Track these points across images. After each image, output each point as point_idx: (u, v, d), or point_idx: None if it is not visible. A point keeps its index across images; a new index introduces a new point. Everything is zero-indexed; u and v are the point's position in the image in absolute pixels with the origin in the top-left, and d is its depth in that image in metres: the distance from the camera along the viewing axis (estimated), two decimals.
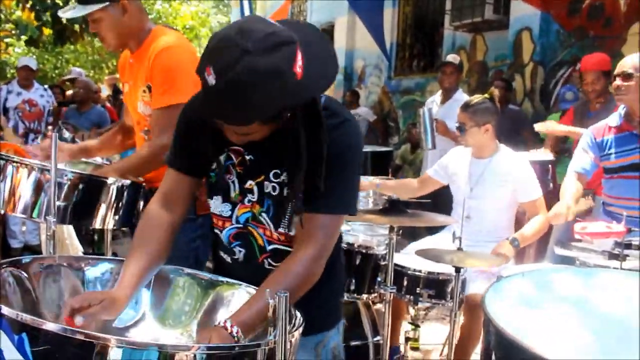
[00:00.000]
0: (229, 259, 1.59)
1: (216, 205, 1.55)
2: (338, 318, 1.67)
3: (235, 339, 1.23)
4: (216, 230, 1.59)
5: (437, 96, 5.16)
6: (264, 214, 1.50)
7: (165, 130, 2.16)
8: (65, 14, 2.26)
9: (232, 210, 1.53)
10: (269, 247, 1.52)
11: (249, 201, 1.50)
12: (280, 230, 1.49)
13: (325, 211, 1.41)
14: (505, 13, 6.55)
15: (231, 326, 1.24)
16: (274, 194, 1.47)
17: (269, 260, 1.53)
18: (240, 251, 1.55)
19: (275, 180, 1.47)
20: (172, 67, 2.16)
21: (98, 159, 3.19)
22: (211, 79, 1.21)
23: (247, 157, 1.49)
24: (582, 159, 2.94)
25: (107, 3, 2.20)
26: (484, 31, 7.14)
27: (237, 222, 1.53)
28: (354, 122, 1.48)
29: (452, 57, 5.17)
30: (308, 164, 1.38)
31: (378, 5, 7.97)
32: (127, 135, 2.60)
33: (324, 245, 1.41)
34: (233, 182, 1.51)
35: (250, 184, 1.49)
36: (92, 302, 1.27)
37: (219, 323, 1.25)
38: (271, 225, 1.50)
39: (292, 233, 1.48)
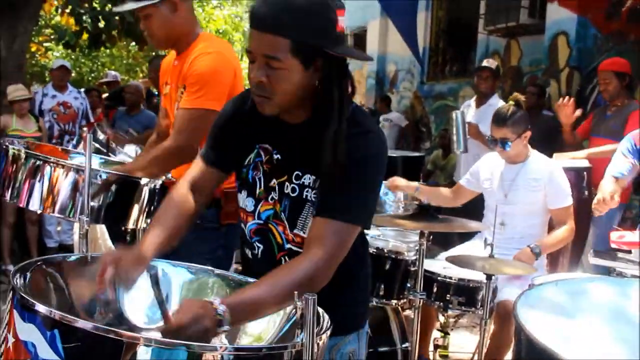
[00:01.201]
0: (250, 254, 1.62)
1: (242, 199, 1.58)
2: (358, 326, 1.64)
3: (219, 316, 1.19)
4: (242, 224, 1.62)
5: (472, 100, 5.09)
6: (282, 214, 1.51)
7: (183, 132, 2.21)
8: (119, 8, 2.32)
9: (256, 206, 1.55)
10: (287, 246, 1.53)
11: (272, 199, 1.52)
12: (295, 231, 1.50)
13: (337, 218, 1.38)
14: (541, 17, 6.44)
15: (219, 303, 1.21)
16: (292, 195, 1.49)
17: (286, 258, 1.53)
18: (259, 247, 1.57)
19: (295, 182, 1.48)
20: (206, 73, 2.19)
21: (127, 159, 3.23)
22: None
23: (275, 156, 1.51)
24: (620, 164, 2.89)
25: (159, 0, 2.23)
26: (518, 35, 7.03)
27: (259, 218, 1.55)
28: (377, 136, 1.46)
29: (488, 62, 5.09)
30: (328, 166, 1.39)
31: (411, 9, 7.92)
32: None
33: (333, 252, 1.38)
34: (259, 179, 1.53)
35: (274, 182, 1.51)
36: (123, 257, 1.34)
37: (212, 300, 1.23)
38: (288, 226, 1.51)
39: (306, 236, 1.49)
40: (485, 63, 5.07)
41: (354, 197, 1.40)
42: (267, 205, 1.53)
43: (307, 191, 1.47)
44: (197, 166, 1.62)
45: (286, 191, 1.49)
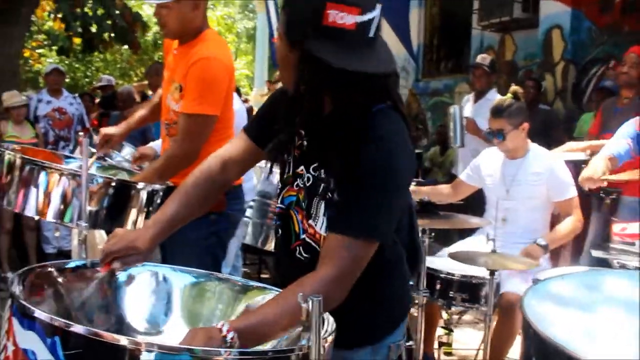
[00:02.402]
0: (274, 239, 1.60)
1: (264, 177, 1.58)
2: (375, 338, 1.55)
3: (227, 344, 1.15)
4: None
5: (471, 96, 5.09)
6: (303, 202, 1.47)
7: (186, 137, 2.28)
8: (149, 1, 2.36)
9: (281, 190, 1.53)
10: (302, 236, 1.48)
11: (297, 186, 1.48)
12: (310, 222, 1.45)
13: (348, 233, 1.30)
14: (535, 11, 6.44)
15: (227, 330, 1.16)
16: (307, 185, 1.45)
17: (300, 248, 1.48)
18: (278, 232, 1.55)
19: (312, 173, 1.44)
20: (207, 79, 2.24)
21: (125, 165, 3.21)
22: None
23: (304, 142, 1.46)
24: (618, 144, 2.84)
25: None
26: (512, 30, 7.04)
27: (282, 203, 1.52)
28: (394, 142, 1.35)
29: (481, 58, 5.08)
30: (335, 170, 1.34)
31: (404, 7, 7.91)
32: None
33: (345, 269, 1.30)
34: (289, 163, 1.50)
35: (301, 169, 1.47)
36: (127, 252, 1.38)
37: (216, 325, 1.19)
38: (305, 215, 1.47)
39: (318, 230, 1.44)
40: (478, 60, 5.07)
41: (366, 210, 1.31)
42: (292, 191, 1.49)
43: (318, 184, 1.42)
44: (238, 139, 1.60)
45: (304, 179, 1.46)
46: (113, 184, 2.17)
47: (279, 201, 1.53)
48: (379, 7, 1.27)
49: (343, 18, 1.22)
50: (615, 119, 3.91)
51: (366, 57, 1.26)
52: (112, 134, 2.62)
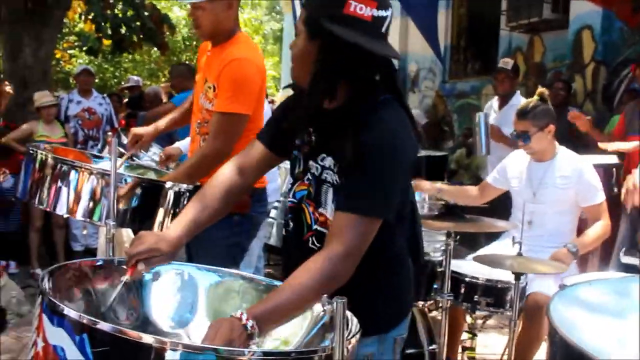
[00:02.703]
0: (285, 232, 1.66)
1: (289, 179, 1.65)
2: (379, 330, 1.58)
3: (248, 332, 1.21)
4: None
5: (495, 101, 5.03)
6: (312, 194, 1.55)
7: (219, 136, 2.31)
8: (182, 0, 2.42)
9: (293, 185, 1.61)
10: (314, 227, 1.55)
11: (307, 180, 1.56)
12: (320, 210, 1.53)
13: (354, 211, 1.38)
14: (565, 11, 6.34)
15: (246, 319, 1.22)
16: (316, 174, 1.53)
17: (313, 239, 1.56)
18: (291, 225, 1.61)
19: (320, 163, 1.52)
20: (239, 79, 2.29)
21: (153, 165, 3.25)
22: None
23: (313, 140, 1.55)
24: None
25: None
26: (542, 31, 6.93)
27: (294, 197, 1.59)
28: (394, 126, 1.44)
29: (503, 62, 5.03)
30: (342, 153, 1.41)
31: (432, 7, 7.85)
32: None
33: (352, 245, 1.37)
34: (299, 159, 1.59)
35: (310, 163, 1.55)
36: (151, 254, 1.42)
37: (235, 314, 1.24)
38: (315, 204, 1.54)
39: (329, 216, 1.51)
40: (501, 64, 5.02)
41: (371, 189, 1.39)
42: (303, 185, 1.57)
43: (327, 172, 1.51)
44: (253, 145, 1.66)
45: (312, 170, 1.54)
46: (142, 183, 2.20)
47: (290, 195, 1.61)
48: (391, 10, 1.42)
49: (362, 9, 1.37)
50: (639, 122, 3.85)
51: (381, 45, 1.41)
52: (142, 134, 2.66)
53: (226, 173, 1.63)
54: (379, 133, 1.41)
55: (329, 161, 1.51)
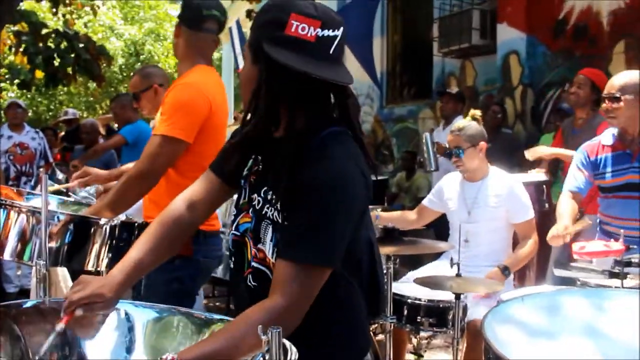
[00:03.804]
0: (231, 265, 1.55)
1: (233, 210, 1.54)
2: None
3: None
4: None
5: (441, 125, 5.45)
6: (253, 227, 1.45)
7: (145, 157, 2.22)
8: None
9: (236, 216, 1.50)
10: (252, 264, 1.44)
11: (251, 212, 1.47)
12: (259, 246, 1.42)
13: (298, 260, 1.26)
14: (492, 38, 6.63)
15: None
16: (257, 208, 1.43)
17: (250, 277, 1.45)
18: (233, 259, 1.52)
19: (262, 196, 1.42)
20: (180, 102, 2.23)
21: (92, 201, 3.17)
22: None
23: (260, 169, 1.47)
24: (576, 178, 2.93)
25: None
26: (472, 56, 7.21)
27: (237, 229, 1.49)
28: (342, 163, 1.31)
29: (450, 88, 5.61)
30: (281, 190, 1.33)
31: (367, 35, 8.05)
32: None
33: (295, 297, 1.26)
34: (245, 189, 1.50)
35: (254, 195, 1.46)
36: (92, 300, 1.35)
37: (165, 357, 1.16)
38: (253, 239, 1.44)
39: (269, 254, 1.39)
40: (448, 89, 5.50)
41: (313, 233, 1.27)
42: (247, 217, 1.47)
43: (267, 207, 1.40)
44: (204, 177, 1.58)
45: (253, 203, 1.44)
46: (75, 220, 2.14)
47: (233, 228, 1.50)
48: (342, 29, 1.32)
49: (305, 29, 1.28)
50: (573, 139, 4.05)
51: (326, 69, 1.28)
52: (91, 174, 2.63)
53: (174, 209, 1.54)
54: (322, 170, 1.29)
55: (270, 194, 1.40)
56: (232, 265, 1.53)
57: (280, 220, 1.36)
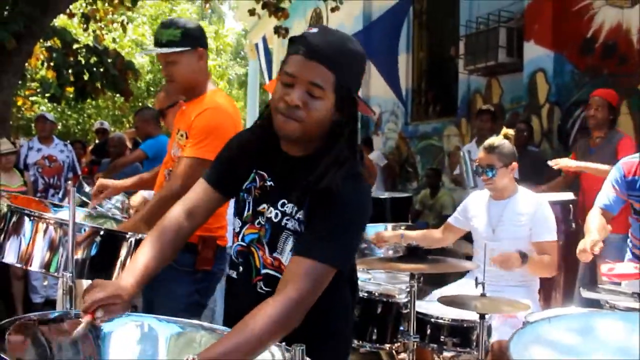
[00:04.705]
0: (233, 274, 1.66)
1: (234, 221, 1.65)
2: None
3: None
4: (229, 246, 1.67)
5: (474, 142, 5.47)
6: (264, 238, 1.57)
7: (180, 179, 2.30)
8: (145, 52, 2.48)
9: (241, 228, 1.62)
10: (263, 271, 1.57)
11: (259, 224, 1.59)
12: (275, 255, 1.56)
13: (314, 257, 1.39)
14: (519, 56, 6.59)
15: None
16: (274, 220, 1.55)
17: (261, 283, 1.58)
18: (239, 268, 1.63)
19: (280, 209, 1.54)
20: (211, 126, 2.31)
21: (117, 214, 3.21)
22: None
23: (268, 184, 1.59)
24: (608, 195, 2.88)
25: (188, 48, 2.35)
26: (498, 74, 7.17)
27: (242, 240, 1.61)
28: (367, 186, 1.54)
29: (486, 107, 5.82)
30: (314, 202, 1.45)
31: (392, 52, 8.07)
32: None
33: (307, 292, 1.37)
34: (249, 203, 1.61)
35: (263, 207, 1.58)
36: (111, 301, 1.38)
37: (186, 359, 1.20)
38: (267, 248, 1.56)
39: (284, 262, 1.53)
40: (484, 107, 5.76)
41: (334, 238, 1.42)
42: (253, 229, 1.60)
43: (287, 219, 1.53)
44: (197, 188, 1.67)
45: (269, 216, 1.56)
46: (101, 233, 2.16)
47: (239, 239, 1.62)
48: None
49: None
50: (591, 158, 4.03)
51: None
52: (108, 186, 2.66)
53: (174, 217, 1.62)
54: (351, 188, 1.45)
55: (290, 208, 1.53)
56: (234, 275, 1.64)
57: (301, 230, 1.51)
